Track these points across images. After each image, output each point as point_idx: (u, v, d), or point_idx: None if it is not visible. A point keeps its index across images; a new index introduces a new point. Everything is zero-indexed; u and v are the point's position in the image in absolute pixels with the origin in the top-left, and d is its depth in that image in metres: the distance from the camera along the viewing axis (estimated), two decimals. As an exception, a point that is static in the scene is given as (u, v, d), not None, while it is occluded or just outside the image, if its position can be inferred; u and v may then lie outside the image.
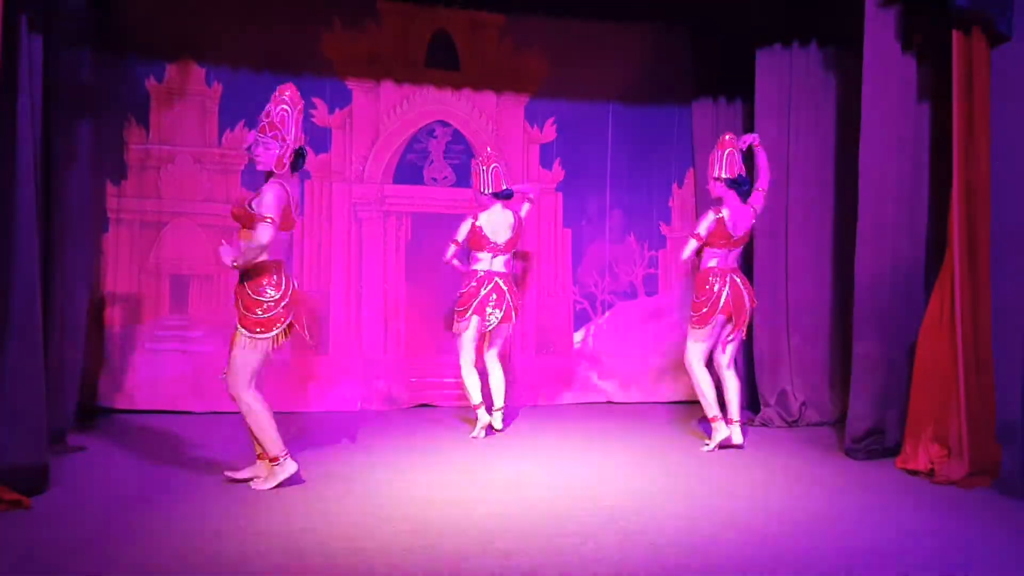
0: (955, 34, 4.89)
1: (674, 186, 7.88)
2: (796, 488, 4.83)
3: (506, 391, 6.32)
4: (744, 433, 5.82)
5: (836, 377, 6.61)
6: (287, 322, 4.53)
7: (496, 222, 6.10)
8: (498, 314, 6.05)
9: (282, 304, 4.49)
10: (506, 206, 6.15)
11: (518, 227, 6.18)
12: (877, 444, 5.50)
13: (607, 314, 7.82)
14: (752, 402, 7.00)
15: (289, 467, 4.57)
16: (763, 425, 6.61)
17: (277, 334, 4.51)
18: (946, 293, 5.03)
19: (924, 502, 4.54)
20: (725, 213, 5.66)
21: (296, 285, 4.64)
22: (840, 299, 6.52)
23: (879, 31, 5.41)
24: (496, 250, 6.10)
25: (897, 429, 5.41)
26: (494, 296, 6.04)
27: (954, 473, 4.85)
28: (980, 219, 4.88)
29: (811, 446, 5.93)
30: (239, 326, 4.49)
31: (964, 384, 4.87)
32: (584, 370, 7.72)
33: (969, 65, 4.87)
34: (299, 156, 4.57)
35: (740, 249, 5.83)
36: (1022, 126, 4.72)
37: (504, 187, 6.11)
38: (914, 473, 5.05)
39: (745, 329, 5.80)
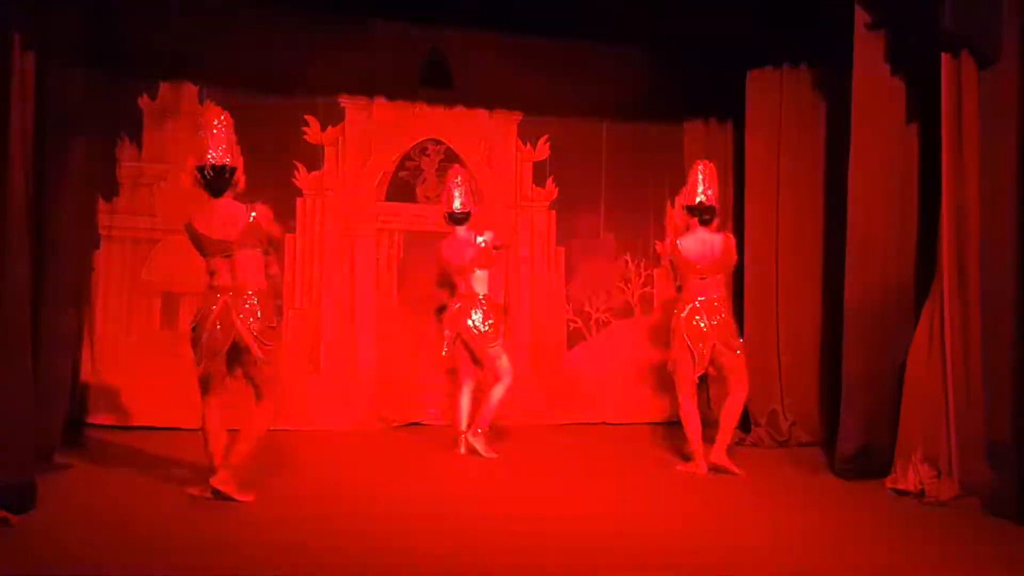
0: (944, 56, 4.93)
1: (668, 205, 7.91)
2: (786, 508, 4.83)
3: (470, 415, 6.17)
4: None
5: (826, 397, 6.60)
6: None
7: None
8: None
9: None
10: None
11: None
12: (867, 464, 5.48)
13: (602, 333, 7.81)
14: (742, 422, 6.98)
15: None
16: (753, 445, 6.60)
17: None
18: (936, 313, 5.05)
19: (914, 522, 4.54)
20: (682, 241, 5.63)
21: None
22: (830, 318, 6.52)
23: (868, 53, 5.45)
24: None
25: (887, 449, 5.40)
26: None
27: (944, 493, 4.84)
28: (969, 239, 4.90)
29: (801, 466, 5.93)
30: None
31: (954, 404, 4.88)
32: (578, 390, 7.69)
33: (958, 87, 4.91)
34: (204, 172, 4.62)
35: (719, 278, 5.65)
36: (1010, 147, 4.74)
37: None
38: (904, 493, 5.04)
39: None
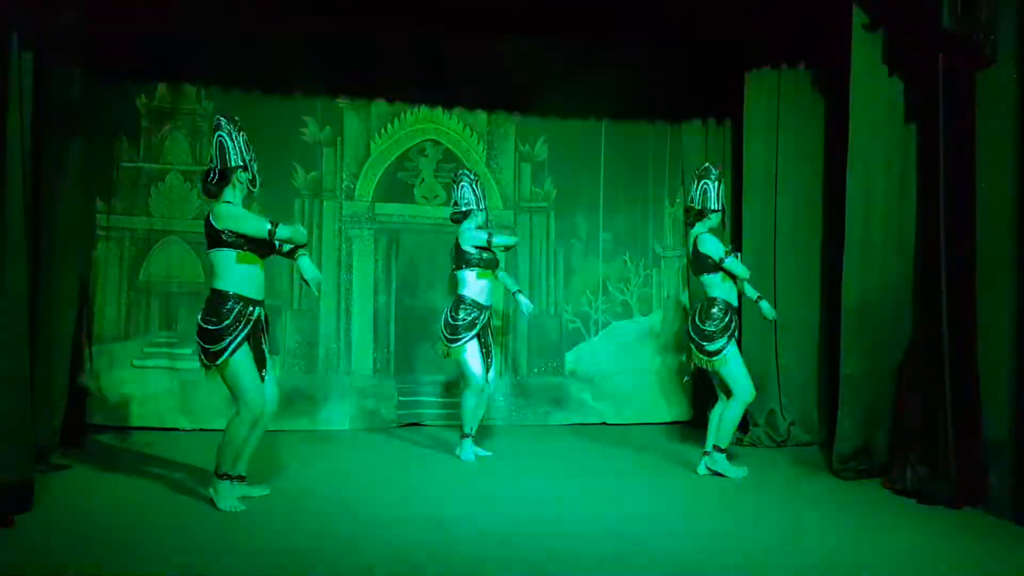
0: (942, 57, 4.94)
1: (667, 204, 7.91)
2: (784, 508, 4.83)
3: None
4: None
5: (824, 397, 6.61)
6: None
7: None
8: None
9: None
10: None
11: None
12: (865, 464, 5.50)
13: (601, 334, 7.81)
14: (741, 422, 6.98)
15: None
16: (752, 445, 6.60)
17: None
18: (933, 312, 5.05)
19: (912, 522, 4.54)
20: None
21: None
22: (829, 318, 6.53)
23: (866, 53, 5.47)
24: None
25: (885, 449, 5.42)
26: None
27: (941, 493, 4.85)
28: (968, 239, 4.90)
29: (799, 466, 5.94)
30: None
31: (952, 405, 4.88)
32: (577, 391, 7.68)
33: (955, 87, 4.91)
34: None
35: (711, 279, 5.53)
36: (1008, 147, 4.74)
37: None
38: (902, 493, 5.05)
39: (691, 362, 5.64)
